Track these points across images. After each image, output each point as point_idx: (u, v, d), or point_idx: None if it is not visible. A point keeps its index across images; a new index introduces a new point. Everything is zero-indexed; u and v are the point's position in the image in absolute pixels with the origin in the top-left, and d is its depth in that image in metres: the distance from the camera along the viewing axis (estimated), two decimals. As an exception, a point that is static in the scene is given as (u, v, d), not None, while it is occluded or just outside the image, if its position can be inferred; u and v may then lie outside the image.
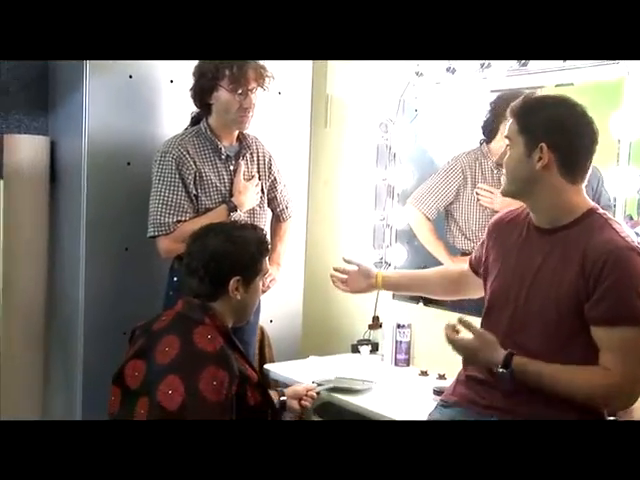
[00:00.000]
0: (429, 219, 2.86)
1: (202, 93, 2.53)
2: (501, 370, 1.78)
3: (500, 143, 2.62)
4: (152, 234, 2.49)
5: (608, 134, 2.17)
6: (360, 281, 2.31)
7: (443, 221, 2.86)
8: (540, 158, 1.80)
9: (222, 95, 2.50)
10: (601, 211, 1.86)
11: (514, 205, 2.54)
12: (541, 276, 1.84)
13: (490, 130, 2.73)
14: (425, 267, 2.92)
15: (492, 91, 2.70)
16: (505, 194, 1.95)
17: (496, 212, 2.65)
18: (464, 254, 2.79)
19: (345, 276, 2.33)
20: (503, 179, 1.91)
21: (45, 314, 2.90)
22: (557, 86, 2.42)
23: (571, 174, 1.82)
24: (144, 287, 2.72)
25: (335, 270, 2.33)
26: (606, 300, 1.73)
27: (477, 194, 2.76)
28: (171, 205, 2.47)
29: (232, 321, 1.99)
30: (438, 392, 2.38)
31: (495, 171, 2.72)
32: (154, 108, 2.77)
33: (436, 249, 2.86)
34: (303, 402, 2.25)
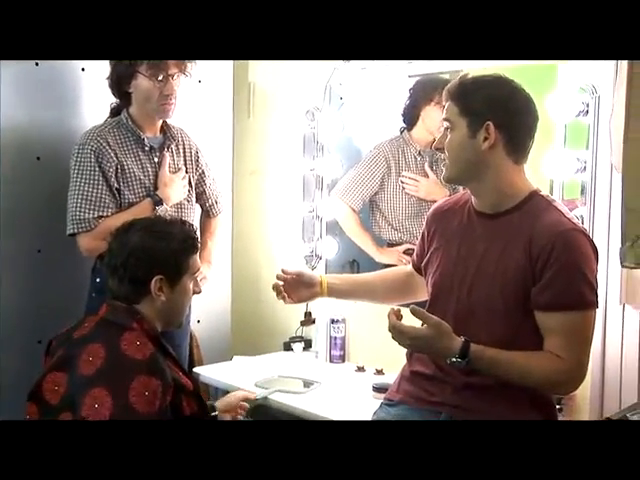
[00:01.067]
0: (355, 211, 2.78)
1: (120, 81, 2.37)
2: (458, 359, 1.67)
3: (421, 129, 2.64)
4: (71, 231, 2.32)
5: (543, 116, 2.11)
6: (302, 290, 2.12)
7: (368, 212, 2.78)
8: (486, 138, 1.73)
9: (141, 82, 2.35)
10: (543, 193, 1.82)
11: (439, 192, 2.52)
12: (486, 262, 1.78)
13: (411, 117, 2.67)
14: (355, 260, 2.89)
15: (410, 76, 2.63)
16: (449, 180, 1.87)
17: (422, 200, 2.66)
18: (390, 245, 2.73)
19: (281, 282, 2.12)
20: (445, 164, 1.81)
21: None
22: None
23: (515, 153, 1.76)
24: (61, 291, 2.55)
25: (277, 279, 2.13)
26: (554, 285, 1.68)
27: (402, 182, 2.69)
28: (91, 200, 2.31)
29: (161, 325, 1.83)
30: (378, 389, 2.34)
31: (418, 158, 2.68)
32: (64, 98, 2.58)
33: (363, 241, 2.79)
34: (238, 417, 2.11)
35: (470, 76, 1.80)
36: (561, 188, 2.13)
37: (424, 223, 2.01)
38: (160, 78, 2.33)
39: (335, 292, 2.17)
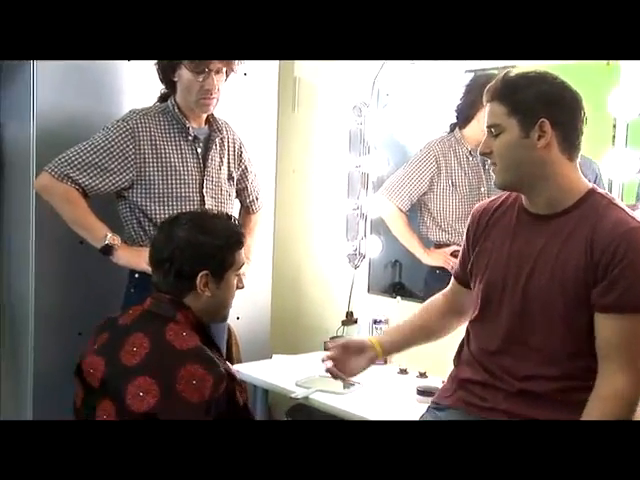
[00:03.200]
0: (402, 211, 2.69)
1: (165, 69, 2.32)
2: None
3: (475, 129, 2.52)
4: (47, 168, 2.24)
5: (603, 115, 2.02)
6: (355, 361, 1.90)
7: (416, 212, 2.70)
8: (540, 136, 1.62)
9: (184, 73, 2.28)
10: (601, 191, 1.70)
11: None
12: (542, 264, 1.67)
13: (466, 115, 2.57)
14: (397, 261, 2.83)
15: (467, 71, 2.53)
16: (503, 186, 1.74)
17: (472, 200, 2.55)
18: (438, 246, 2.65)
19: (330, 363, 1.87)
20: (495, 170, 1.69)
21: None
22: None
23: (569, 150, 1.65)
24: (102, 283, 2.49)
25: (323, 361, 1.89)
26: (618, 286, 1.57)
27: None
28: (88, 163, 2.23)
29: (206, 319, 1.77)
30: (423, 392, 2.25)
31: (470, 158, 2.59)
32: (109, 88, 2.53)
33: (410, 242, 2.71)
34: None
35: (513, 74, 1.68)
36: (620, 188, 2.03)
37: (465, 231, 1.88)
38: (201, 72, 2.26)
39: (392, 348, 1.98)
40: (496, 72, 2.30)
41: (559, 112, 1.63)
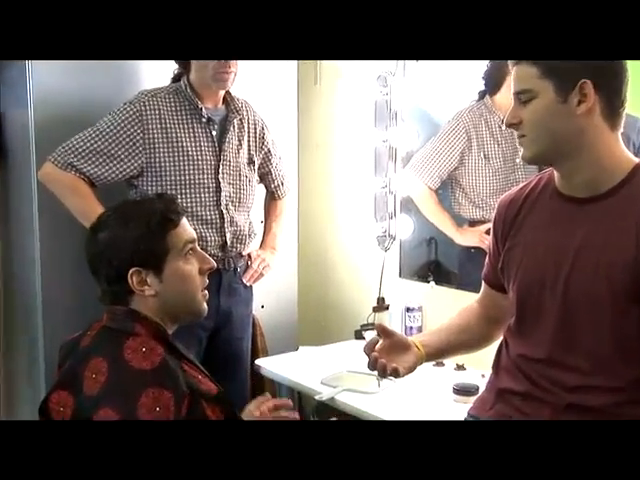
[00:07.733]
0: (432, 189, 2.39)
1: None
2: None
3: (506, 94, 2.16)
4: (49, 157, 2.03)
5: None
6: (404, 356, 1.51)
7: (447, 188, 2.40)
8: (580, 101, 1.35)
9: None
10: None
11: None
12: (584, 258, 1.39)
13: (495, 81, 2.25)
14: (432, 238, 2.51)
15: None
16: (533, 160, 1.49)
17: (508, 173, 2.26)
18: (472, 224, 2.35)
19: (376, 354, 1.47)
20: (524, 142, 1.43)
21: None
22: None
23: (612, 117, 1.38)
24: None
25: (372, 350, 1.49)
26: None
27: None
28: (90, 150, 2.00)
29: (170, 321, 1.45)
30: (459, 391, 1.95)
31: (503, 127, 2.22)
32: (112, 71, 2.22)
33: (441, 221, 2.42)
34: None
35: None
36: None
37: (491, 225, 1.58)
38: None
39: (431, 350, 1.58)
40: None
41: (602, 72, 1.36)
